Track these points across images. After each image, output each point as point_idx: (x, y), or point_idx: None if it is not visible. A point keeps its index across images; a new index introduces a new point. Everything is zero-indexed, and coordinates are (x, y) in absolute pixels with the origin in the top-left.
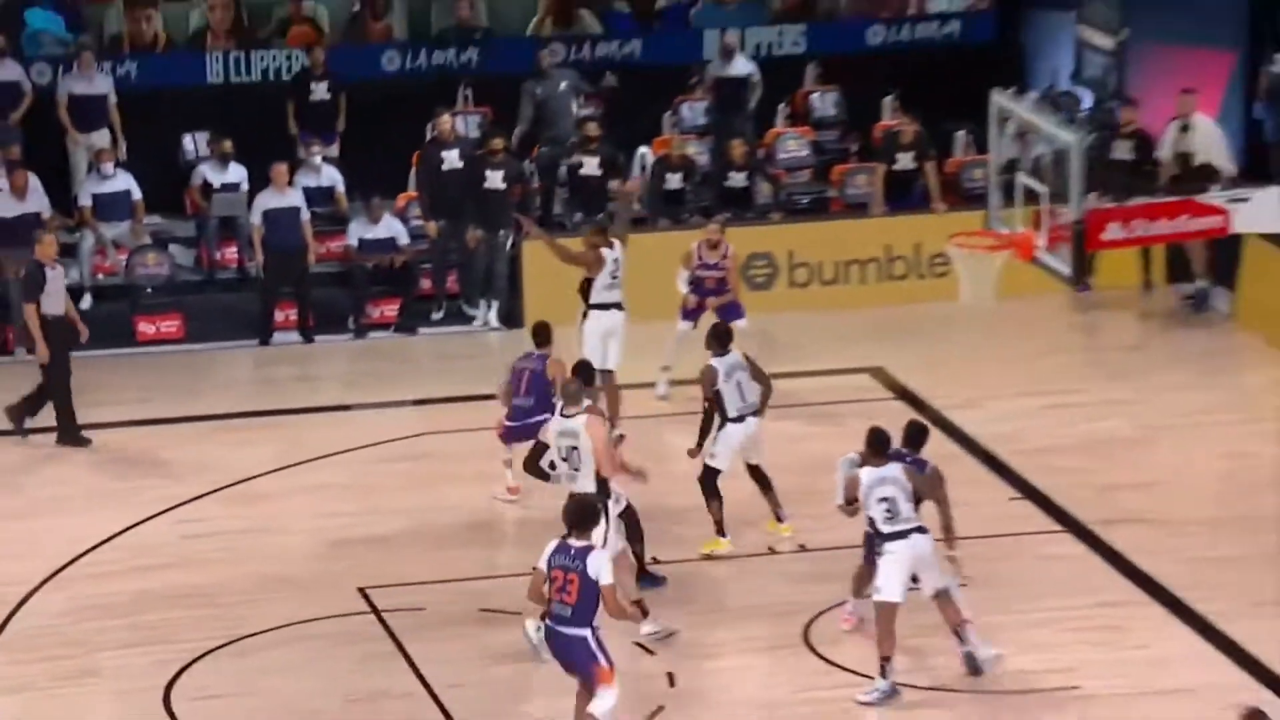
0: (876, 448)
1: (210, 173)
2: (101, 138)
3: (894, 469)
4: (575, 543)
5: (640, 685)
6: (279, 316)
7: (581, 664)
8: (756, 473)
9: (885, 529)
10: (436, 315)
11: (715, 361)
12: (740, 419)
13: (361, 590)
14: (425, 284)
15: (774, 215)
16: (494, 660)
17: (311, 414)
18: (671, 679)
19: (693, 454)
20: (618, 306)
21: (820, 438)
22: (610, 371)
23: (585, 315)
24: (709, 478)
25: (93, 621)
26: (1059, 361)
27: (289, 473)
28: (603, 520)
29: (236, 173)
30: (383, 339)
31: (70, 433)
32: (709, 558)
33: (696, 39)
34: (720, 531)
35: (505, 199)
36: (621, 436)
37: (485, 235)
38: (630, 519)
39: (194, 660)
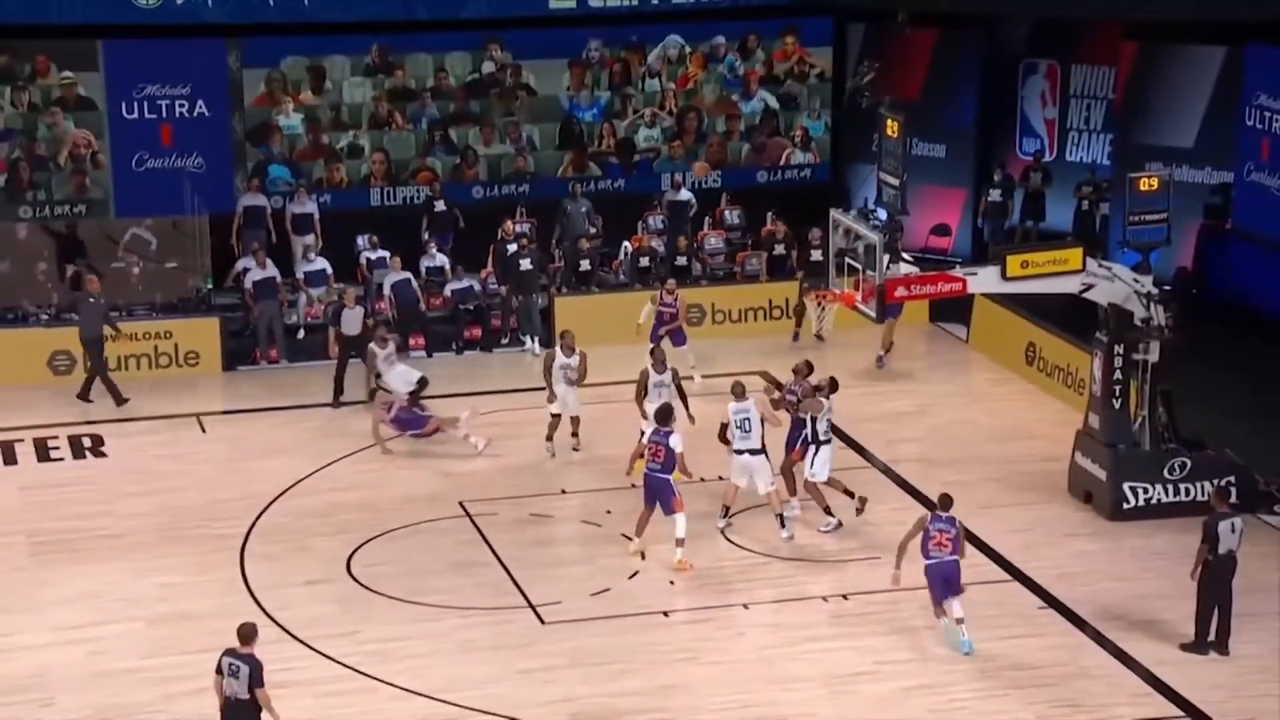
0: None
1: (370, 256)
2: (309, 239)
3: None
4: (664, 428)
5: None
6: (412, 341)
7: (665, 496)
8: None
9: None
10: (504, 341)
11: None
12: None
13: (460, 503)
14: (495, 322)
15: (703, 281)
16: (540, 544)
17: (438, 400)
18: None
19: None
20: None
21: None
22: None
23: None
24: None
25: (305, 520)
26: (870, 368)
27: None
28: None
29: (384, 258)
30: (472, 355)
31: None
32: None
33: (657, 179)
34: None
35: (536, 274)
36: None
37: (524, 298)
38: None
39: (364, 541)
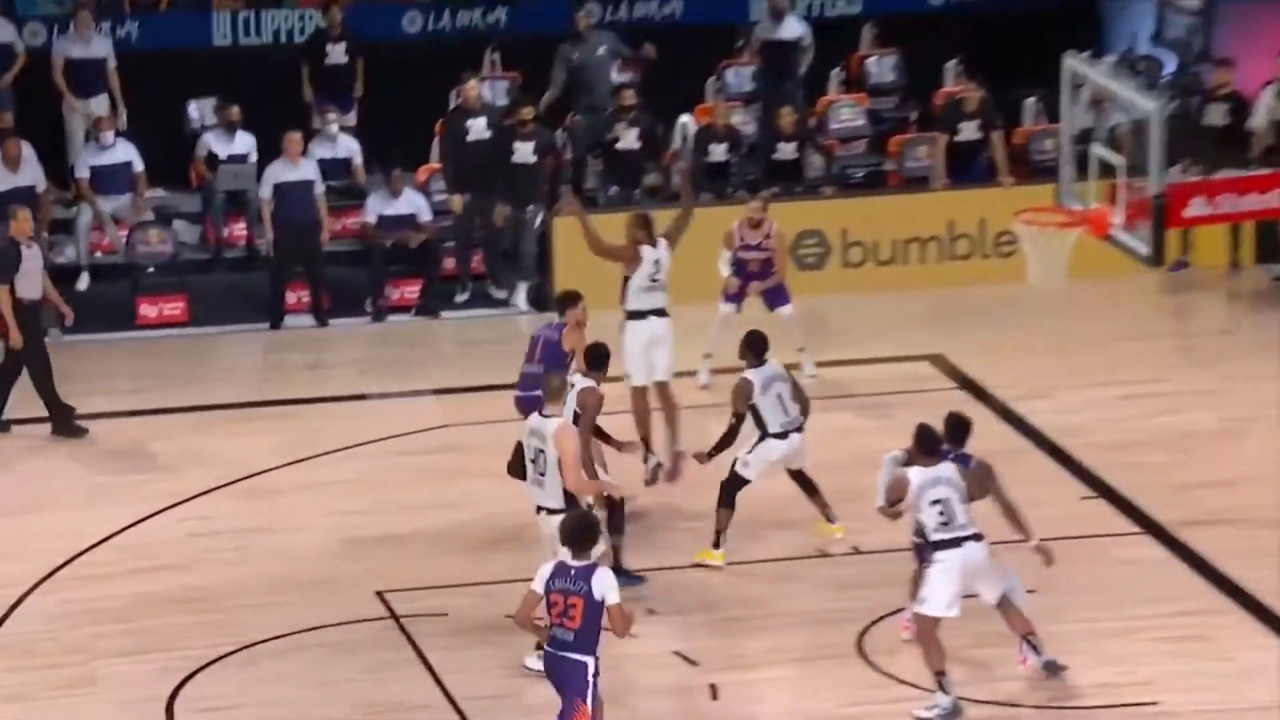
0: (927, 445)
1: (216, 142)
2: (100, 104)
3: (947, 468)
4: (575, 563)
5: (681, 699)
6: (290, 298)
7: (570, 692)
8: (800, 477)
9: (937, 536)
10: (461, 297)
11: (751, 373)
12: (784, 435)
13: (379, 594)
14: (449, 263)
15: (826, 190)
16: (520, 671)
17: (325, 404)
18: (714, 691)
19: (700, 459)
20: (658, 313)
21: (873, 431)
22: (663, 383)
23: (623, 325)
24: (732, 485)
25: (91, 627)
26: (1135, 348)
27: (300, 467)
28: (601, 536)
29: (244, 142)
30: (403, 323)
31: (64, 423)
32: (700, 566)
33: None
34: (717, 543)
35: (535, 173)
36: (680, 454)
37: (513, 212)
38: (616, 512)
39: (199, 669)
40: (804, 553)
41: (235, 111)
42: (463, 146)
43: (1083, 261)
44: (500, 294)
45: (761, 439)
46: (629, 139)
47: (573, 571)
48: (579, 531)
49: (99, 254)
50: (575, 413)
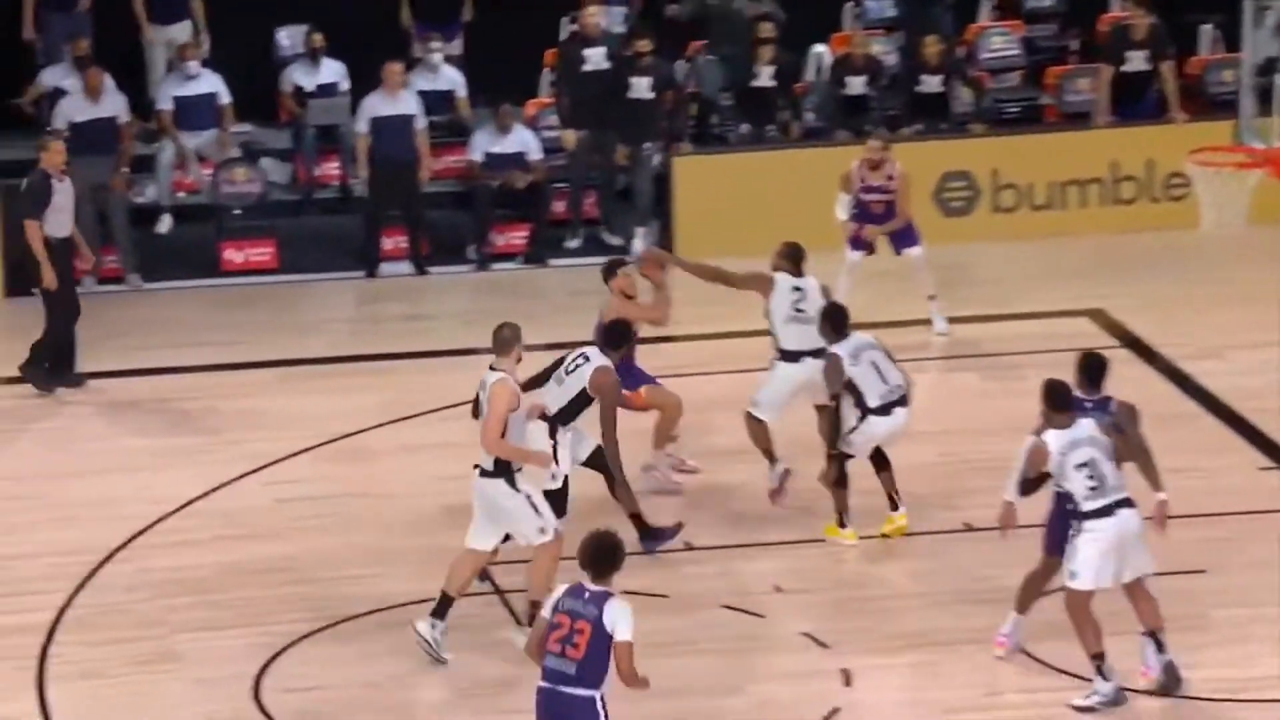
0: (1059, 401)
1: (300, 73)
2: (182, 31)
3: (1086, 425)
4: (591, 586)
5: (812, 683)
6: (387, 244)
7: None
8: (877, 452)
9: (1089, 504)
10: (572, 243)
11: (837, 347)
12: (885, 409)
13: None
14: (558, 206)
15: (975, 127)
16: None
17: (424, 359)
18: (847, 677)
19: (825, 481)
20: (816, 354)
21: (1026, 394)
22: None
23: (772, 362)
24: (839, 462)
25: (171, 598)
26: None
27: (397, 428)
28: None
29: (332, 70)
30: (508, 271)
31: (59, 373)
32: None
33: None
34: (843, 523)
35: (652, 109)
36: (788, 472)
37: (629, 150)
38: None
39: (287, 645)
40: (944, 527)
41: (319, 38)
42: (578, 78)
43: (1263, 206)
44: (615, 239)
45: (863, 418)
46: (764, 76)
47: (586, 595)
48: (600, 553)
49: (181, 194)
50: (584, 390)
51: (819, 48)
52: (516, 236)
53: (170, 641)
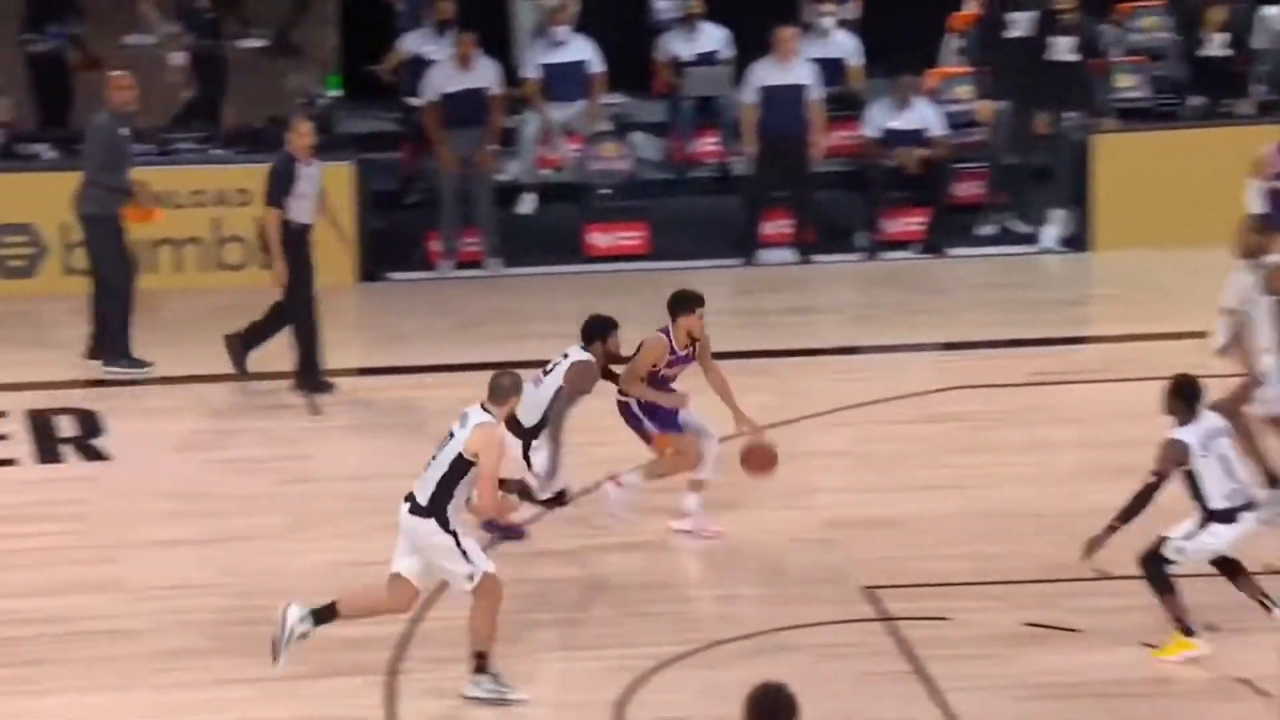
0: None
1: (679, 41)
2: None
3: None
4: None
5: None
6: (768, 229)
7: None
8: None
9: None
10: (988, 229)
11: (1182, 431)
12: (1231, 516)
13: (867, 589)
14: (965, 188)
15: None
16: (1030, 693)
17: (806, 357)
18: None
19: (1092, 545)
20: None
21: None
22: None
23: None
24: (1157, 565)
25: (525, 614)
26: None
27: (775, 432)
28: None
29: (713, 38)
30: (902, 261)
31: (309, 378)
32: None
33: None
34: (1189, 630)
35: (1075, 74)
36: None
37: (1048, 117)
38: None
39: (651, 670)
40: None
41: (697, 3)
42: (1000, 44)
43: None
44: (1026, 228)
45: (1204, 523)
46: (1214, 44)
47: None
48: (778, 709)
49: (545, 170)
50: (560, 388)
51: (1270, 10)
52: (913, 222)
53: (526, 663)
